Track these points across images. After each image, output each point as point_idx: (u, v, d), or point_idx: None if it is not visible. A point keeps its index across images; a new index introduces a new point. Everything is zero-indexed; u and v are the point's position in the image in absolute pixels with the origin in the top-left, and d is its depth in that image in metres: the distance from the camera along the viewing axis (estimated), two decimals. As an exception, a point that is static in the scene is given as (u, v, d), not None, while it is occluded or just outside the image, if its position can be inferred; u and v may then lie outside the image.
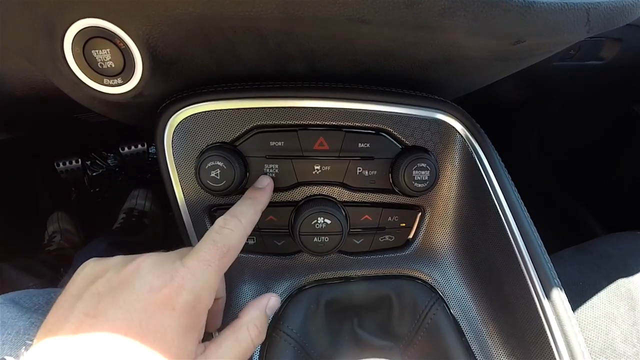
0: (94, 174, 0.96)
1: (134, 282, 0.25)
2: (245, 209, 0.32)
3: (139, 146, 0.91)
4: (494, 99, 0.91)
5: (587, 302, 0.50)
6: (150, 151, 1.00)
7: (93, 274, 0.26)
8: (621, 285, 0.52)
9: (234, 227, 0.29)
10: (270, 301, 0.32)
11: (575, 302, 0.50)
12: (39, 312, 0.38)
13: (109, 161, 0.95)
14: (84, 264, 0.28)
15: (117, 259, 0.28)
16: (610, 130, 0.99)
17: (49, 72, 0.32)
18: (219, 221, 0.30)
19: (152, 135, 0.36)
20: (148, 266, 0.26)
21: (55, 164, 0.89)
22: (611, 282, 0.52)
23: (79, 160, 0.89)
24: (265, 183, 0.35)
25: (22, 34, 0.29)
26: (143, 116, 0.38)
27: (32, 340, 0.34)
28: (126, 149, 0.87)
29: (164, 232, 0.99)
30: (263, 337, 0.30)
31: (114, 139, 0.92)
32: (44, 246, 0.92)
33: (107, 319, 0.23)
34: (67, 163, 0.88)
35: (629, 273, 0.53)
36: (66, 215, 0.96)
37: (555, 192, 1.14)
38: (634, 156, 0.95)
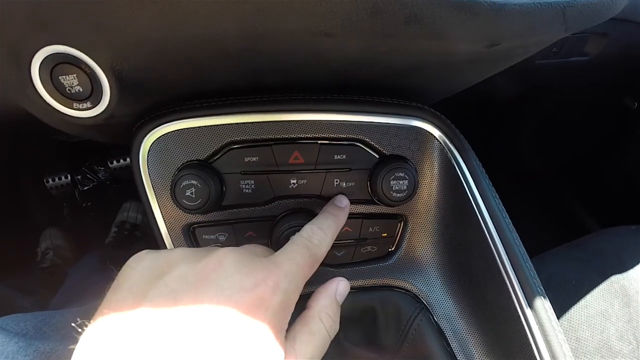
0: (85, 188, 0.96)
1: (221, 281, 0.22)
2: (330, 223, 0.31)
3: (128, 159, 0.91)
4: (485, 95, 0.91)
5: (580, 301, 0.50)
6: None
7: (156, 267, 0.23)
8: (615, 281, 0.51)
9: (322, 239, 0.29)
10: (340, 286, 0.30)
11: (569, 301, 0.50)
12: (26, 337, 0.37)
13: (99, 175, 0.95)
14: (138, 256, 0.25)
15: (183, 252, 0.25)
16: (602, 124, 0.99)
17: (20, 99, 0.32)
18: (307, 230, 0.29)
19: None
20: (233, 263, 0.23)
21: (44, 181, 0.88)
22: (605, 279, 0.51)
23: (69, 175, 0.89)
24: (345, 203, 0.35)
25: None
26: (119, 135, 0.38)
27: None
28: (115, 162, 0.86)
29: (157, 245, 0.99)
30: (337, 327, 0.27)
31: (103, 153, 0.92)
32: (37, 263, 0.92)
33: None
34: (57, 179, 0.88)
35: (622, 269, 0.52)
36: (58, 231, 0.96)
37: (547, 186, 1.14)
38: (626, 149, 0.94)
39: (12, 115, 0.40)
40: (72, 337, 0.42)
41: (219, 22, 0.24)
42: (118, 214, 0.98)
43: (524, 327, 0.31)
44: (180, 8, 0.23)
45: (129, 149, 0.36)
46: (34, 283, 0.81)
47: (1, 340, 0.36)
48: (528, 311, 0.31)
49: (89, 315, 0.48)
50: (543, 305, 0.31)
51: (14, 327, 0.38)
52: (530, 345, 0.31)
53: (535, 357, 0.30)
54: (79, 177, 0.93)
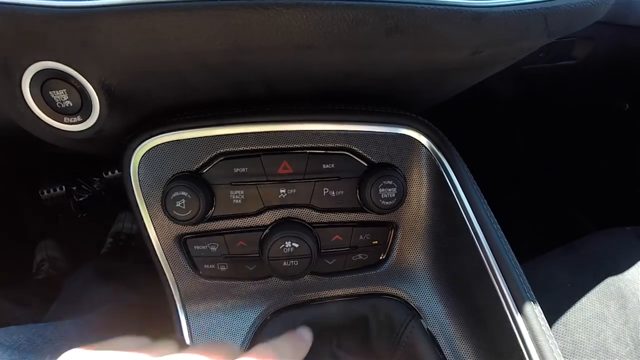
0: (80, 199, 0.96)
1: None
2: (287, 349, 0.26)
3: (123, 170, 0.91)
4: (476, 99, 0.92)
5: (576, 304, 0.49)
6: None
7: None
8: (611, 283, 0.51)
9: None
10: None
11: (564, 304, 0.49)
12: (19, 350, 0.37)
13: (94, 186, 0.95)
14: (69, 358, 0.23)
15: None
16: (595, 126, 1.00)
17: (11, 114, 0.32)
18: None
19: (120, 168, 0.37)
20: None
21: (39, 192, 0.88)
22: (600, 281, 0.51)
23: (63, 187, 0.89)
24: (307, 337, 0.30)
25: None
26: (110, 148, 0.38)
27: None
28: (110, 173, 0.87)
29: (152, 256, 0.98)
30: None
31: (98, 164, 0.92)
32: (32, 275, 0.91)
33: None
34: (52, 190, 0.88)
35: (618, 271, 0.52)
36: (54, 243, 0.95)
37: (541, 188, 1.14)
38: (619, 150, 0.95)
39: (5, 129, 0.40)
40: (66, 350, 0.42)
41: (202, 37, 0.24)
42: (113, 225, 0.98)
43: (514, 333, 0.31)
44: (163, 27, 0.23)
45: (120, 161, 0.36)
46: (29, 295, 0.81)
47: None
48: (518, 317, 0.31)
49: (82, 328, 0.48)
50: (533, 310, 0.31)
51: (7, 339, 0.38)
52: (521, 350, 0.31)
53: None
54: (74, 188, 0.93)
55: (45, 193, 0.88)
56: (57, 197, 0.90)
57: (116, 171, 0.86)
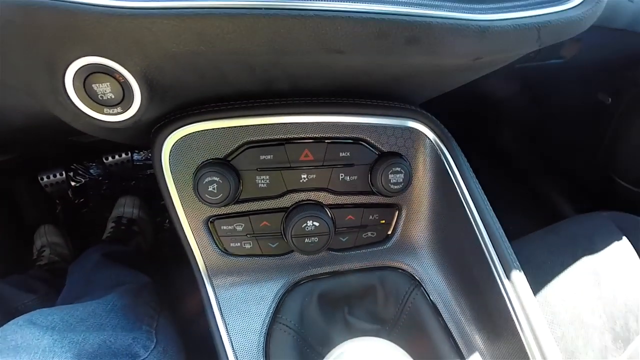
0: (77, 184, 0.96)
1: None
2: None
3: (123, 155, 0.92)
4: (471, 95, 0.96)
5: (555, 280, 0.53)
6: (134, 158, 1.00)
7: None
8: (587, 262, 0.55)
9: None
10: None
11: (545, 280, 0.53)
12: (56, 330, 0.40)
13: (91, 171, 0.95)
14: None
15: None
16: (579, 119, 1.03)
17: (49, 105, 0.34)
18: None
19: (151, 154, 0.39)
20: None
21: (39, 178, 0.88)
22: (577, 261, 0.55)
23: (63, 173, 0.88)
24: None
25: (23, 71, 0.31)
26: (139, 136, 0.41)
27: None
28: (110, 158, 0.87)
29: (154, 238, 1.00)
30: None
31: (97, 149, 0.92)
32: (33, 261, 0.91)
33: None
34: (51, 176, 0.88)
35: (593, 251, 0.57)
36: (53, 228, 0.95)
37: (528, 178, 1.20)
38: (601, 142, 1.00)
39: (33, 120, 0.42)
40: (97, 327, 0.44)
41: (251, 41, 0.27)
42: (114, 210, 0.98)
43: (503, 297, 0.37)
44: (216, 30, 0.27)
45: (150, 150, 0.38)
46: (35, 280, 0.81)
47: (35, 334, 0.38)
48: (507, 282, 0.37)
49: (108, 308, 0.49)
50: (519, 277, 0.37)
51: (43, 320, 0.41)
52: (509, 310, 0.36)
53: (514, 321, 0.36)
54: (71, 174, 0.93)
55: (45, 179, 0.88)
56: (57, 183, 0.90)
57: (117, 156, 0.87)
